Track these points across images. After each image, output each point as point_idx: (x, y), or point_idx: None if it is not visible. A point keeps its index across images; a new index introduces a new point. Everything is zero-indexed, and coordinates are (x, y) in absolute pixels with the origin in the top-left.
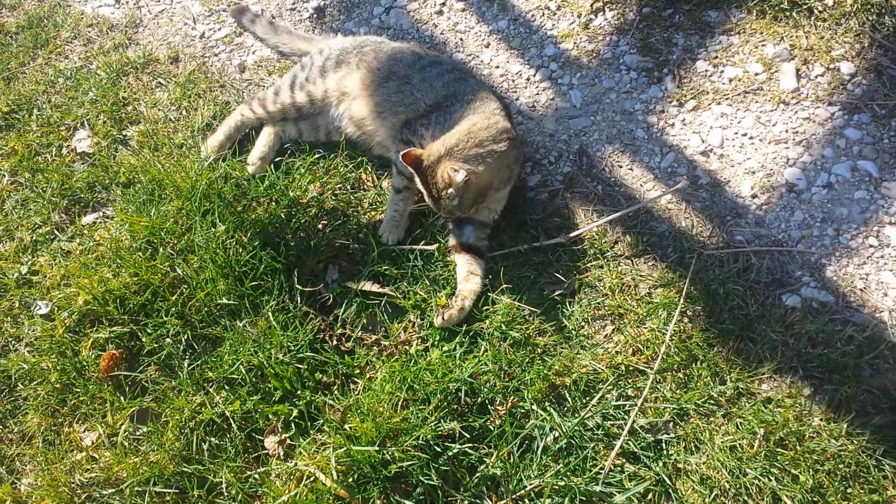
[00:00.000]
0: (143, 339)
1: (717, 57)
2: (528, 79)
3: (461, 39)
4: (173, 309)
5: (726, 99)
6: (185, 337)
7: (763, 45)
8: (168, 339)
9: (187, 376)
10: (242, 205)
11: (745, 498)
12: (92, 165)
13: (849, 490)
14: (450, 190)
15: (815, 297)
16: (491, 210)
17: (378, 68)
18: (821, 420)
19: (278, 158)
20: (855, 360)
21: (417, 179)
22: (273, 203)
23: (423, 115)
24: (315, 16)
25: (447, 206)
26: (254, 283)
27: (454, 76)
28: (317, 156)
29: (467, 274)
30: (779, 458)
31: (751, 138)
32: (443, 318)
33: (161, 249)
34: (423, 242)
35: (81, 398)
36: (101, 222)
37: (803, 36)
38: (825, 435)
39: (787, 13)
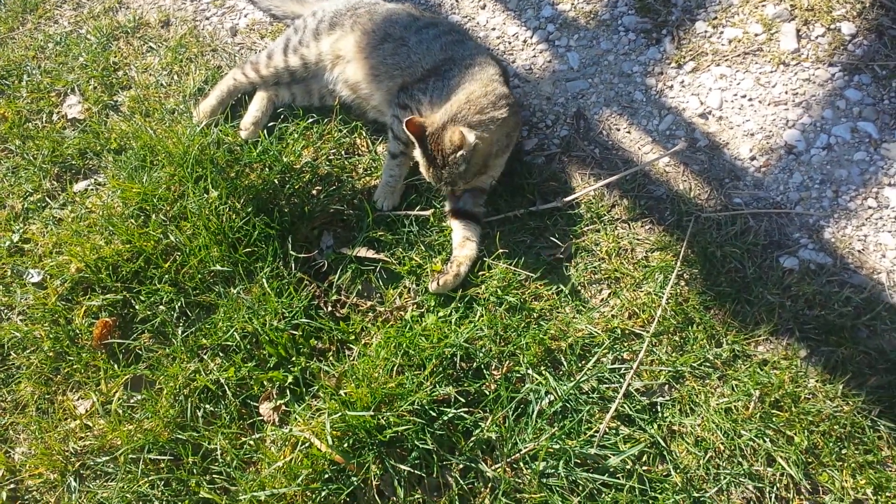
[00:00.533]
0: (137, 307)
1: (716, 18)
2: (524, 41)
3: (456, 1)
4: (166, 276)
5: (725, 60)
6: (179, 304)
7: (763, 6)
8: (161, 307)
9: (181, 343)
10: (235, 171)
11: (740, 459)
12: (83, 132)
13: (843, 451)
14: (459, 153)
15: (813, 258)
16: (488, 176)
17: (373, 30)
18: (816, 381)
19: (271, 123)
20: (852, 322)
21: (419, 149)
22: (266, 169)
23: (421, 79)
24: None
25: (453, 172)
26: (247, 250)
27: (452, 38)
28: (310, 120)
29: (463, 240)
30: (774, 419)
31: (750, 100)
32: (438, 284)
33: (153, 216)
34: (418, 208)
35: (75, 366)
36: (92, 189)
37: None
38: (821, 396)
39: None
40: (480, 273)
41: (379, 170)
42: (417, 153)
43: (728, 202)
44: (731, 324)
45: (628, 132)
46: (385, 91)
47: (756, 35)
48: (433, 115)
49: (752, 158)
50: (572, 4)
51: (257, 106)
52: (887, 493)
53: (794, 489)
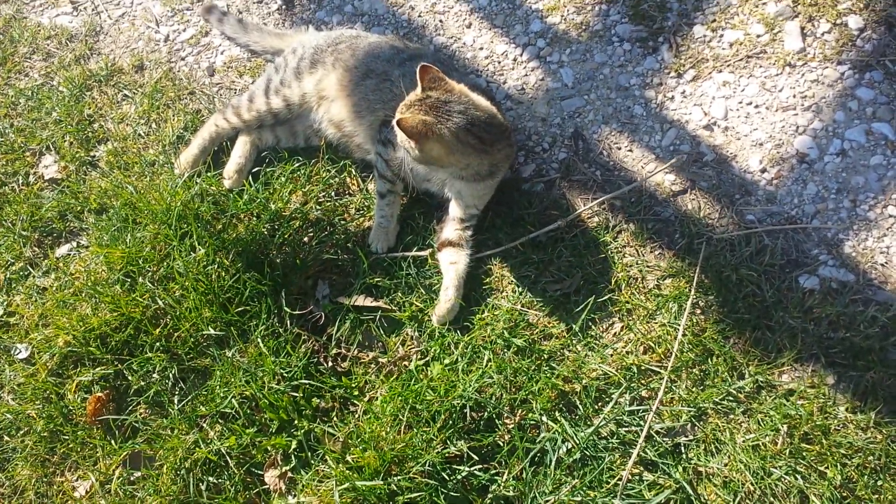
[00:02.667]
0: (130, 378)
1: (715, 20)
2: (514, 59)
3: (441, 21)
4: (157, 343)
5: (728, 66)
6: (173, 372)
7: (764, 4)
8: (155, 376)
9: (178, 414)
10: (222, 223)
11: (771, 499)
12: (61, 192)
13: (879, 483)
14: None
15: (834, 276)
16: (468, 206)
17: (355, 66)
18: (846, 410)
19: (256, 168)
20: (880, 343)
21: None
22: (254, 218)
23: None
24: (284, 7)
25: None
26: (240, 309)
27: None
28: (297, 163)
29: (447, 264)
30: (804, 454)
31: (756, 107)
32: (437, 317)
33: (140, 279)
34: (415, 249)
35: (71, 445)
36: (75, 254)
37: None
38: (852, 427)
39: None
40: (485, 314)
41: (372, 208)
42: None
43: (740, 220)
44: (752, 353)
45: (630, 150)
46: (367, 126)
47: (758, 36)
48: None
49: (763, 171)
50: (562, 16)
51: (240, 152)
52: None
53: None
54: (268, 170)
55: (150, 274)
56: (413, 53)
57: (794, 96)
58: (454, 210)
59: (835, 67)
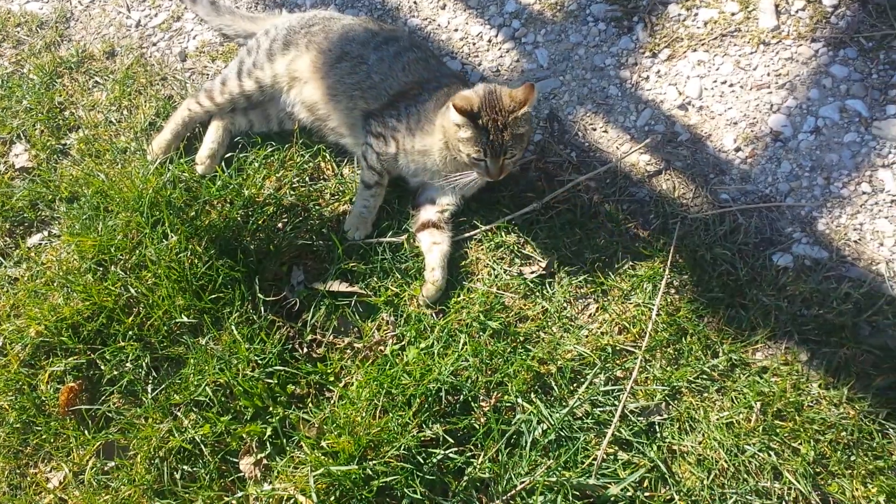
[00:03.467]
0: (103, 368)
1: None
2: (489, 40)
3: (415, 3)
4: (130, 332)
5: (702, 44)
6: (146, 360)
7: None
8: (128, 365)
9: (152, 402)
10: (195, 210)
11: (745, 476)
12: (32, 181)
13: (852, 458)
14: (523, 109)
15: (808, 253)
16: (464, 195)
17: (329, 49)
18: (819, 387)
19: (230, 154)
20: (853, 319)
21: (469, 128)
22: (228, 204)
23: (390, 104)
24: None
25: (515, 133)
26: (213, 296)
27: (414, 56)
28: (270, 148)
29: (430, 245)
30: (777, 431)
31: (731, 86)
32: (425, 297)
33: (112, 268)
34: (390, 234)
35: (44, 436)
36: (46, 243)
37: None
38: (825, 403)
39: None
40: (461, 298)
41: (347, 193)
42: (466, 133)
43: (714, 199)
44: (726, 331)
45: (605, 131)
46: (344, 112)
47: (733, 14)
48: (472, 91)
49: (737, 149)
50: None
51: (213, 137)
52: None
53: (804, 503)
54: (241, 155)
55: (122, 262)
56: (388, 36)
57: (769, 74)
58: (444, 197)
59: (809, 45)
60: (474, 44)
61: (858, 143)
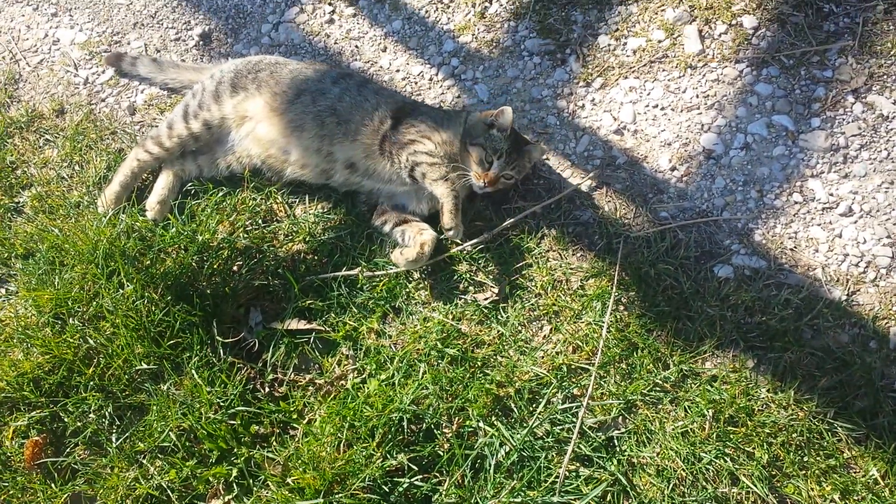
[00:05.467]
0: (66, 420)
1: (618, 29)
2: (430, 79)
3: (356, 47)
4: (92, 382)
5: (633, 72)
6: (109, 410)
7: (662, 10)
8: (91, 415)
9: (117, 451)
10: (149, 258)
11: (703, 483)
12: None
13: (805, 459)
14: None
15: (747, 264)
16: (425, 203)
17: (284, 91)
18: (768, 391)
19: (182, 201)
20: (794, 324)
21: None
22: (182, 251)
23: (392, 122)
24: (201, 43)
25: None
26: (172, 342)
27: (375, 87)
28: (222, 193)
29: (419, 230)
30: (731, 437)
31: (662, 109)
32: (402, 256)
33: (70, 320)
34: (344, 268)
35: (11, 492)
36: (4, 300)
37: None
38: (774, 406)
39: None
40: (418, 328)
41: (300, 233)
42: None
43: (654, 218)
44: (675, 343)
45: (547, 159)
46: (314, 138)
47: (659, 42)
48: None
49: (673, 169)
50: (473, 35)
51: (162, 184)
52: (854, 497)
53: None
54: (193, 202)
55: (79, 314)
56: (341, 72)
57: (697, 96)
58: (413, 205)
59: (733, 66)
60: (416, 82)
61: (787, 156)
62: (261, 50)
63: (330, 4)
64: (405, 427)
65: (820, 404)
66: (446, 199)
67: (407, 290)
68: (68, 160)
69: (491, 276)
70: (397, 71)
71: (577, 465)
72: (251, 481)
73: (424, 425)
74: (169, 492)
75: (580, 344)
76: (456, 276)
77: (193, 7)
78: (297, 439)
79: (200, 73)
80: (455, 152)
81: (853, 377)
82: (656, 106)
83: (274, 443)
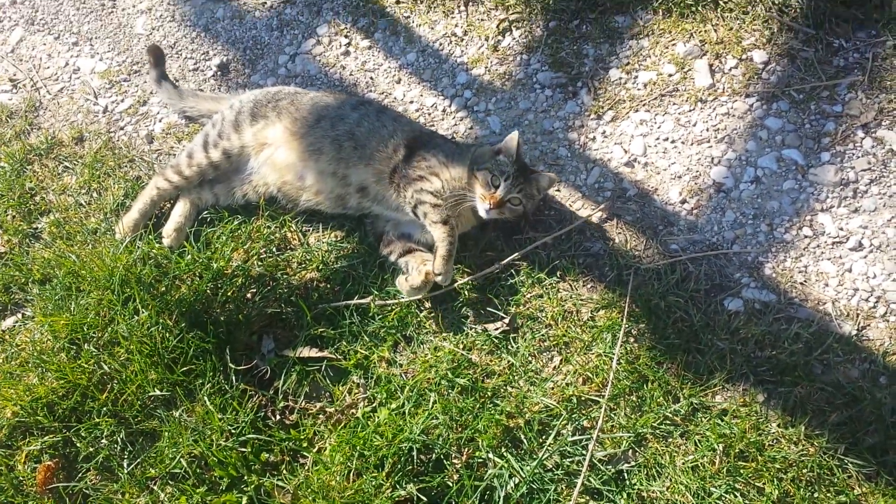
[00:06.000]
0: (78, 445)
1: (629, 63)
2: (443, 110)
3: (371, 78)
4: (105, 408)
5: (643, 105)
6: (121, 436)
7: (673, 45)
8: (104, 441)
9: (128, 477)
10: (165, 285)
11: None
12: (5, 266)
13: (816, 495)
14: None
15: (757, 297)
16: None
17: (304, 117)
18: (778, 426)
19: (198, 229)
20: (804, 359)
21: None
22: (197, 278)
23: (407, 155)
24: (219, 73)
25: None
26: (185, 368)
27: (393, 114)
28: (237, 221)
29: (422, 262)
30: (741, 471)
31: (673, 142)
32: (405, 281)
33: (85, 346)
34: (356, 297)
35: None
36: (21, 325)
37: (712, 30)
38: (784, 441)
39: (693, 8)
40: (429, 356)
41: (314, 261)
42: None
43: (665, 250)
44: (685, 376)
45: (557, 190)
46: (331, 161)
47: (670, 76)
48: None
49: (683, 201)
50: (486, 68)
51: (180, 211)
52: None
53: None
54: (209, 230)
55: (95, 340)
56: (360, 100)
57: (708, 129)
58: (420, 234)
59: (743, 100)
60: (429, 114)
61: (797, 190)
62: (277, 81)
63: (346, 37)
64: (415, 457)
65: (830, 440)
66: (442, 244)
67: (418, 319)
68: (86, 187)
69: (501, 307)
70: (411, 102)
71: (587, 498)
72: None
73: (434, 455)
74: None
75: (590, 375)
76: (466, 306)
77: (212, 38)
78: (307, 468)
79: (218, 102)
80: (463, 185)
81: (863, 413)
82: (667, 139)
83: (284, 471)
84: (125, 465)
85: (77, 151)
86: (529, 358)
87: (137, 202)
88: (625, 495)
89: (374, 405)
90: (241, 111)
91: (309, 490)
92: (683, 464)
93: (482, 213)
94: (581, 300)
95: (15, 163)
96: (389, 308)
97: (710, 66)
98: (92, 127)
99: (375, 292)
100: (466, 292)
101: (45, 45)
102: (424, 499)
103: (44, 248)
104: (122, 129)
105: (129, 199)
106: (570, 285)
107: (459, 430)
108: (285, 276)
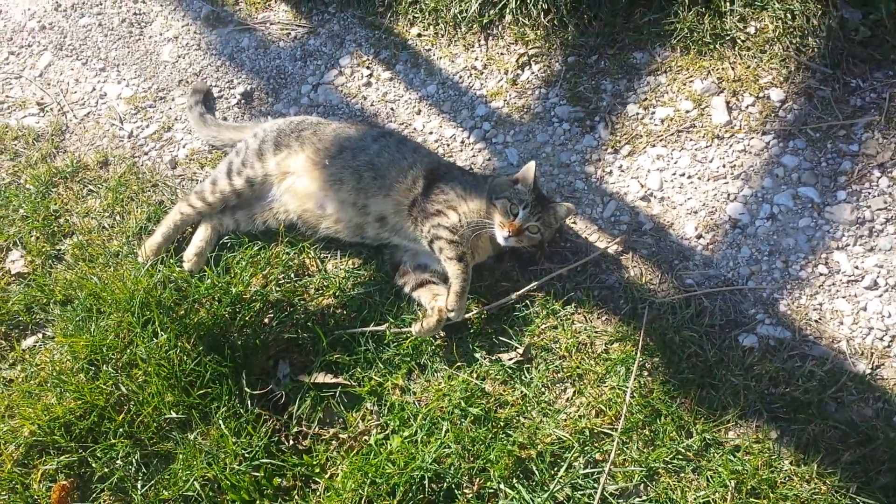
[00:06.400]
0: (94, 465)
1: (646, 99)
2: (462, 141)
3: (392, 109)
4: (121, 429)
5: (660, 140)
6: (136, 457)
7: (691, 82)
8: (119, 462)
9: (142, 499)
10: (184, 308)
11: None
12: (27, 286)
13: None
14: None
15: (772, 334)
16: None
17: (327, 147)
18: (791, 463)
19: (218, 253)
20: (818, 397)
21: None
22: (216, 302)
23: (427, 187)
24: (243, 101)
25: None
26: (201, 392)
27: (412, 145)
28: (257, 247)
29: (432, 297)
30: None
31: (689, 177)
32: (421, 327)
33: (104, 367)
34: (372, 324)
35: None
36: (41, 345)
37: (729, 67)
38: (797, 479)
39: (711, 46)
40: (442, 385)
41: (331, 288)
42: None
43: (680, 284)
44: (698, 411)
45: (574, 222)
46: (351, 191)
47: (687, 112)
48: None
49: (699, 237)
50: (505, 100)
51: (201, 236)
52: None
53: None
54: (228, 255)
55: (113, 361)
56: (382, 131)
57: (724, 166)
58: (435, 264)
59: (760, 137)
60: (448, 144)
61: (813, 228)
62: (300, 110)
63: (368, 68)
64: (426, 485)
65: (843, 478)
66: (456, 281)
67: (432, 347)
68: (110, 210)
69: (516, 337)
70: (430, 133)
71: None
72: None
73: (445, 485)
74: None
75: (603, 408)
76: (481, 336)
77: (236, 67)
78: (318, 493)
79: (241, 131)
80: (482, 216)
81: (876, 452)
82: (683, 174)
83: (296, 496)
84: (139, 486)
85: (101, 175)
86: (542, 389)
87: (161, 226)
88: None
89: (386, 432)
90: (265, 140)
91: None
92: (695, 499)
93: (501, 241)
94: (595, 332)
95: (40, 185)
96: (405, 336)
97: (728, 103)
98: (117, 151)
99: (391, 320)
100: (481, 322)
101: (72, 70)
102: None
103: (66, 269)
104: (146, 153)
105: (152, 223)
106: (585, 317)
107: (471, 459)
108: (302, 302)
